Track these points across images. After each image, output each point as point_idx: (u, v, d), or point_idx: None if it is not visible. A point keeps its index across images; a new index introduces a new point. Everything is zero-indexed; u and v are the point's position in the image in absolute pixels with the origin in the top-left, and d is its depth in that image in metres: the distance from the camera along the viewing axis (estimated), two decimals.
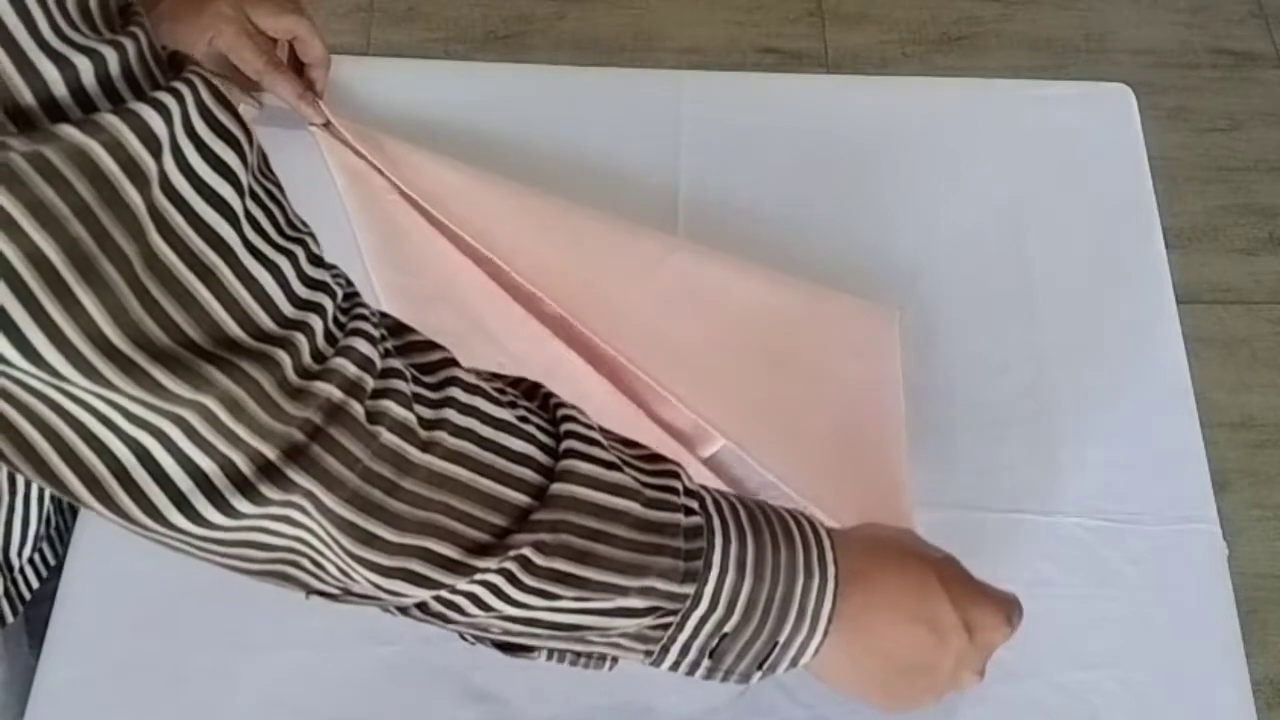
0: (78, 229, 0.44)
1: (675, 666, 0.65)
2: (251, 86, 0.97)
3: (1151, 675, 0.81)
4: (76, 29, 0.44)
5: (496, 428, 0.58)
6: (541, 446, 0.59)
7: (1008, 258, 0.97)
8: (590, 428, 0.62)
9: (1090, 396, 0.91)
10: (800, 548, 0.65)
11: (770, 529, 0.65)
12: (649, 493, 0.62)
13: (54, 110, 0.43)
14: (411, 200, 0.95)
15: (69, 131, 0.43)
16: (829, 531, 0.67)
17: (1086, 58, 2.16)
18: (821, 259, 0.95)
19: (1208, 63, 2.17)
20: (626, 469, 0.62)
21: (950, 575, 0.71)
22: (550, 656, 0.67)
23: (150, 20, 0.74)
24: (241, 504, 0.51)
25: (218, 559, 0.55)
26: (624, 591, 0.60)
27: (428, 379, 0.58)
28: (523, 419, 0.59)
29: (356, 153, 0.97)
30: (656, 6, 2.17)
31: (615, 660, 0.67)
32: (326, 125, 0.97)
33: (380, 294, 0.92)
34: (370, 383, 0.53)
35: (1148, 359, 0.93)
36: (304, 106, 0.97)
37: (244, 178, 0.49)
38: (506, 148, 0.99)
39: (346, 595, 0.59)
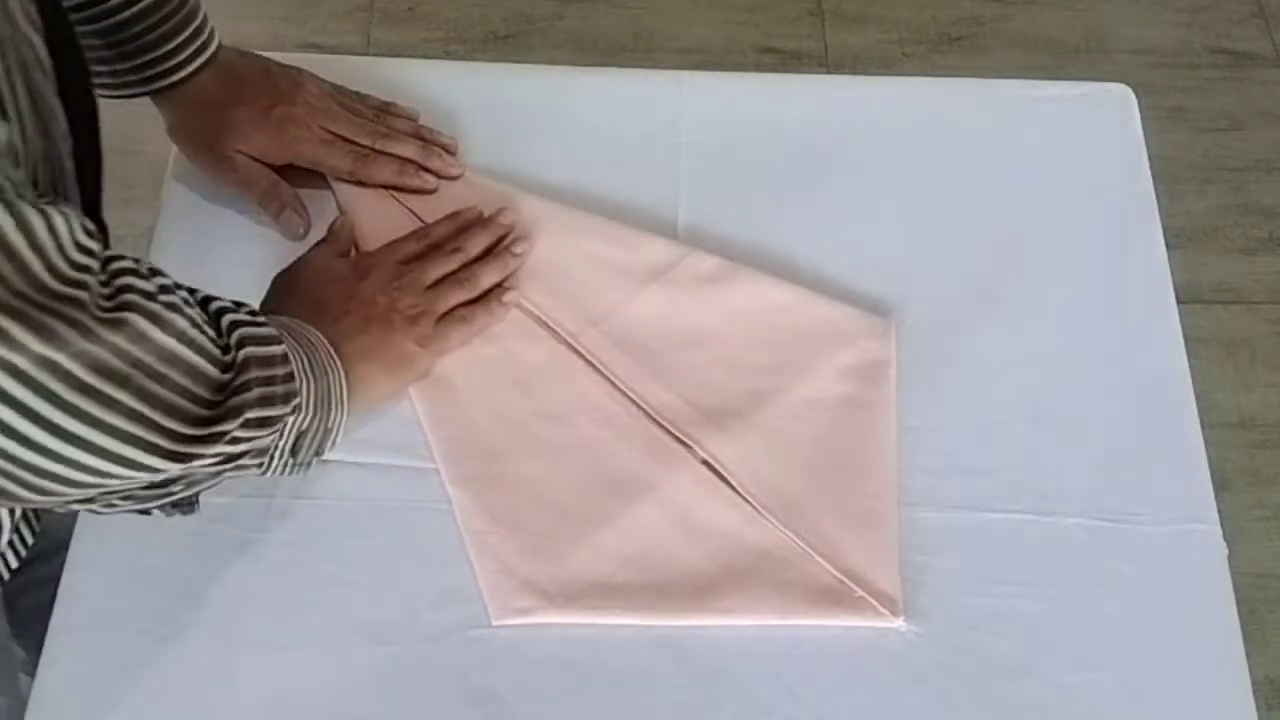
0: None
1: (272, 470, 0.78)
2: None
3: (1151, 675, 0.81)
4: None
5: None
6: (215, 329, 0.71)
7: (1008, 258, 0.97)
8: (239, 307, 0.74)
9: (1090, 396, 0.91)
10: (319, 349, 0.80)
11: (307, 339, 0.80)
12: (282, 341, 0.75)
13: None
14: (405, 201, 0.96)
15: None
16: (319, 325, 0.83)
17: (1086, 58, 2.16)
18: (821, 259, 0.95)
19: (1208, 63, 2.18)
20: (255, 323, 0.74)
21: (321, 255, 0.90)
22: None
23: (232, 125, 0.92)
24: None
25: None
26: (283, 417, 0.74)
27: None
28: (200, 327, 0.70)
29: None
30: (656, 6, 2.17)
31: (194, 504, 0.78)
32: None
33: None
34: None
35: (1148, 359, 0.93)
36: (408, 180, 0.95)
37: None
38: (506, 148, 0.99)
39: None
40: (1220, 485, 0.88)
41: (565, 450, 0.87)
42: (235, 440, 0.70)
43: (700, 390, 0.89)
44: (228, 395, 0.69)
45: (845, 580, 0.82)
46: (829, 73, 2.08)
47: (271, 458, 0.77)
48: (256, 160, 0.93)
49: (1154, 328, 0.95)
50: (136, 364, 0.63)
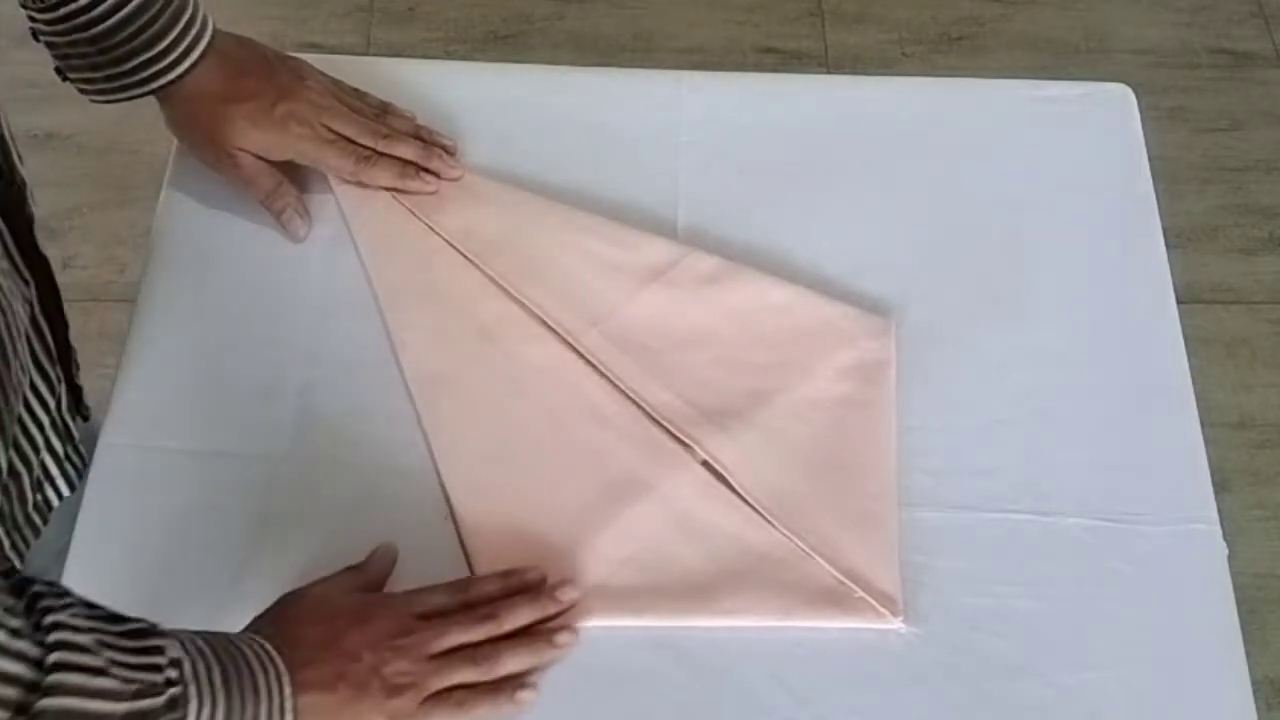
0: None
1: None
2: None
3: (1151, 675, 0.81)
4: None
5: None
6: (31, 662, 0.60)
7: (1007, 258, 0.97)
8: (78, 630, 0.62)
9: (1090, 396, 0.91)
10: (264, 699, 0.69)
11: (240, 683, 0.68)
12: (133, 687, 0.62)
13: None
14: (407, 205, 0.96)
15: None
16: (286, 665, 0.71)
17: (1086, 58, 2.16)
18: (821, 259, 0.95)
19: (1208, 63, 2.18)
20: (113, 670, 0.62)
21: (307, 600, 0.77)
22: None
23: (233, 121, 0.86)
24: None
25: None
26: None
27: None
28: (14, 634, 0.60)
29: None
30: (656, 6, 2.17)
31: None
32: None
33: (379, 293, 0.92)
34: None
35: (1148, 359, 0.93)
36: (409, 183, 0.94)
37: None
38: (506, 148, 0.99)
39: None
40: (1220, 485, 0.88)
41: (565, 451, 0.87)
42: None
43: (700, 390, 0.89)
44: None
45: (845, 581, 0.82)
46: (829, 73, 2.08)
47: None
48: (259, 158, 0.93)
49: (1154, 328, 0.95)
50: None
